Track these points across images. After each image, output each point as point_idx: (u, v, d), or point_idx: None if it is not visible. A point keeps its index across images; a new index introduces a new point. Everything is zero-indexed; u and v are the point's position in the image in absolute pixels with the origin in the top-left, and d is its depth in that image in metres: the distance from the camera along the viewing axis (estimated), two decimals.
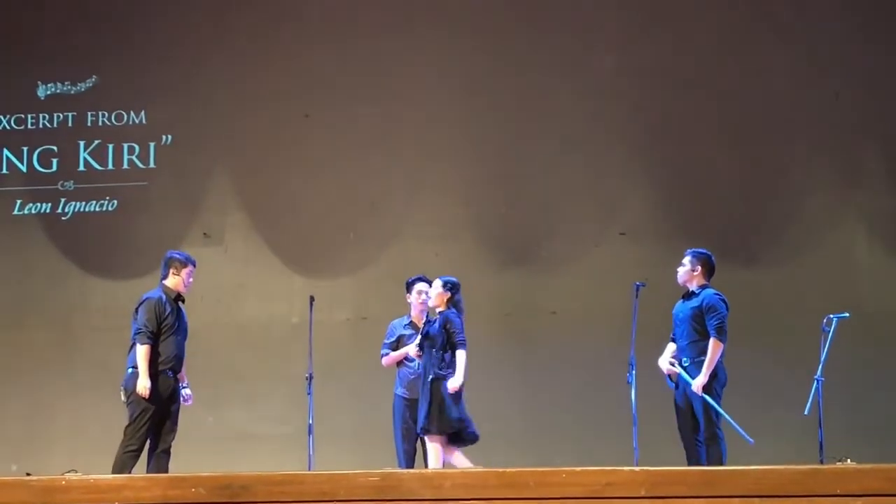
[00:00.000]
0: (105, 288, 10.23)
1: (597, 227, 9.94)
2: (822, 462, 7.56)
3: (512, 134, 10.11)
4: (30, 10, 10.64)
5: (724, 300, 7.77)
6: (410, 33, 10.26)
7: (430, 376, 7.90)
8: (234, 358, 10.04)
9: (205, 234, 10.28)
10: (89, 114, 10.53)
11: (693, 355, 7.71)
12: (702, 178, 9.91)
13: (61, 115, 10.56)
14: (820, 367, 7.73)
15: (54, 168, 10.52)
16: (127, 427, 7.57)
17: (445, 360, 7.97)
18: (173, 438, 7.68)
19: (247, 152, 10.38)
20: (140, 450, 7.56)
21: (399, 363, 8.41)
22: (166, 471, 7.46)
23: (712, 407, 7.55)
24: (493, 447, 9.17)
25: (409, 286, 8.51)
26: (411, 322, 8.46)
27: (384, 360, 8.44)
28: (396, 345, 8.43)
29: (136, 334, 7.63)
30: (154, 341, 7.59)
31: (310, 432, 8.29)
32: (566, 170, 10.00)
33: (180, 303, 7.85)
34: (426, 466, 7.98)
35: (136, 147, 10.46)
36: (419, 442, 8.20)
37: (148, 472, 7.49)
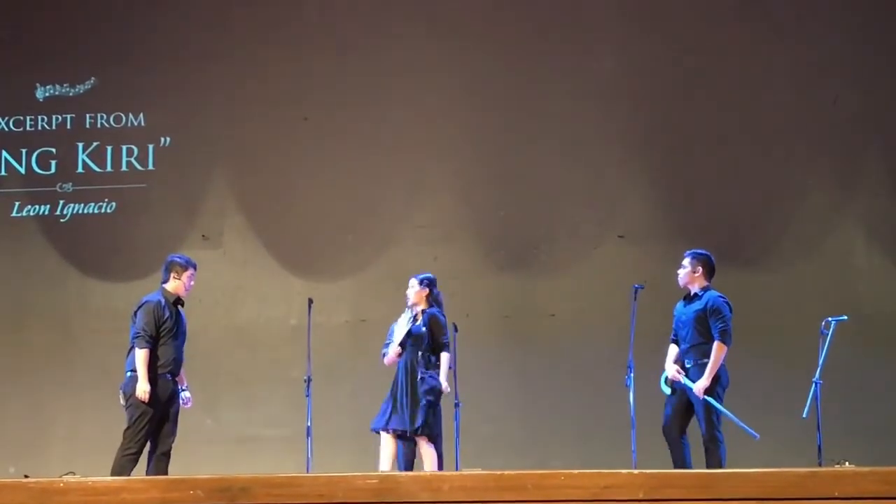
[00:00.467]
0: (104, 290, 10.22)
1: (596, 229, 9.94)
2: (820, 464, 7.56)
3: (511, 136, 10.10)
4: (28, 11, 10.63)
5: (728, 303, 7.76)
6: (409, 35, 10.26)
7: (421, 377, 7.93)
8: (232, 360, 10.03)
9: (203, 236, 10.27)
10: (88, 116, 10.53)
11: (697, 358, 7.69)
12: (701, 180, 9.90)
13: (60, 117, 10.56)
14: (818, 369, 7.73)
15: (53, 170, 10.52)
16: (126, 430, 7.57)
17: (431, 360, 8.01)
18: (173, 441, 7.67)
19: (246, 154, 10.38)
20: (139, 453, 7.55)
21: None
22: (166, 474, 7.45)
23: (715, 409, 7.54)
24: (492, 450, 9.19)
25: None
26: None
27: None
28: None
29: (134, 338, 7.62)
30: (153, 345, 7.58)
31: (308, 434, 8.28)
32: (565, 172, 10.00)
33: (180, 306, 7.84)
34: (397, 466, 8.00)
35: (135, 149, 10.46)
36: (402, 441, 8.12)
37: (147, 475, 7.49)
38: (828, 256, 9.71)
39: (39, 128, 10.56)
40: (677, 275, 7.92)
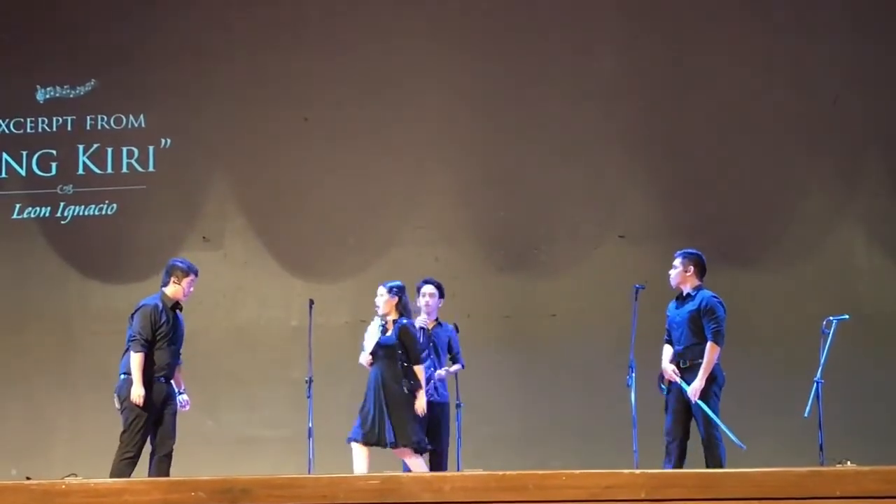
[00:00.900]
0: (104, 292, 10.23)
1: (596, 229, 9.94)
2: (822, 464, 7.56)
3: (511, 136, 10.11)
4: (29, 13, 10.64)
5: (721, 303, 7.75)
6: (410, 37, 10.26)
7: (398, 388, 7.80)
8: (233, 361, 10.04)
9: (204, 237, 10.27)
10: (88, 117, 10.53)
11: (692, 358, 7.69)
12: (701, 180, 9.91)
13: (60, 119, 10.56)
14: (820, 369, 7.73)
15: (53, 172, 10.52)
16: (122, 434, 7.57)
17: (410, 374, 7.87)
18: (174, 443, 7.66)
19: (246, 155, 10.38)
20: (136, 456, 7.55)
21: None
22: (168, 476, 7.45)
23: (706, 413, 7.54)
24: (493, 450, 9.20)
25: (417, 290, 8.48)
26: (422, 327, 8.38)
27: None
28: None
29: (130, 341, 7.61)
30: (148, 349, 7.57)
31: (310, 436, 8.28)
32: (565, 172, 10.00)
33: (178, 311, 7.83)
34: None
35: (136, 151, 10.46)
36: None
37: (149, 476, 7.48)
38: (828, 256, 9.72)
39: (40, 130, 10.56)
40: (669, 275, 7.92)
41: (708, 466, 7.51)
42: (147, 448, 7.64)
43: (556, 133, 10.06)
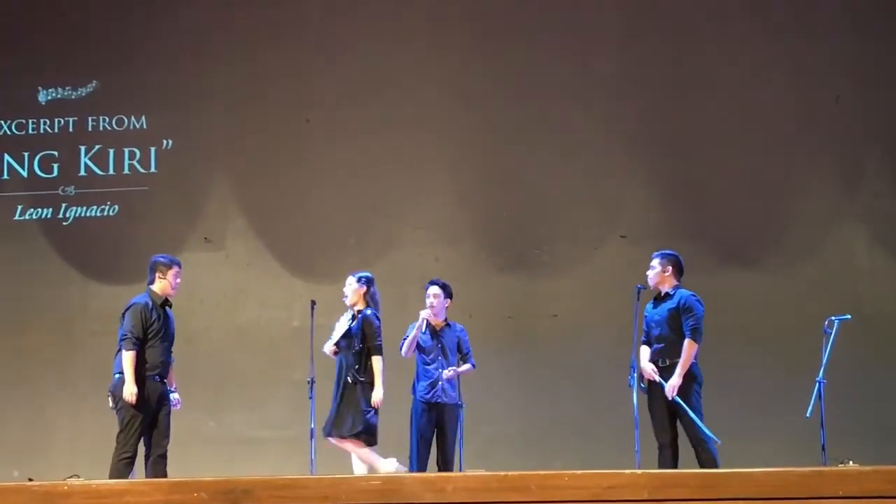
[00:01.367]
0: (106, 293, 10.22)
1: (598, 229, 9.94)
2: (824, 464, 7.56)
3: (512, 136, 10.11)
4: (30, 15, 10.64)
5: (700, 301, 7.77)
6: (410, 37, 10.27)
7: (349, 379, 7.88)
8: (235, 362, 10.04)
9: (206, 238, 10.28)
10: (90, 119, 10.54)
11: (671, 356, 7.69)
12: (702, 180, 9.91)
13: (62, 120, 10.57)
14: (821, 368, 7.73)
15: (55, 173, 10.53)
16: (119, 434, 7.56)
17: (362, 363, 7.93)
18: (168, 443, 7.64)
19: (247, 156, 10.38)
20: (134, 456, 7.54)
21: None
22: (164, 476, 7.45)
23: (685, 410, 7.54)
24: (495, 450, 9.19)
25: (425, 291, 8.50)
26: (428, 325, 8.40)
27: (402, 352, 8.35)
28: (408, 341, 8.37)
29: (121, 340, 7.62)
30: (140, 347, 7.57)
31: (312, 436, 8.28)
32: (566, 173, 10.00)
33: (168, 308, 7.83)
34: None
35: (137, 152, 10.47)
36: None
37: (146, 478, 7.47)
38: (829, 256, 9.71)
39: (42, 131, 10.57)
40: (647, 276, 7.94)
41: (700, 465, 7.51)
42: (140, 449, 7.61)
43: (557, 133, 10.06)
